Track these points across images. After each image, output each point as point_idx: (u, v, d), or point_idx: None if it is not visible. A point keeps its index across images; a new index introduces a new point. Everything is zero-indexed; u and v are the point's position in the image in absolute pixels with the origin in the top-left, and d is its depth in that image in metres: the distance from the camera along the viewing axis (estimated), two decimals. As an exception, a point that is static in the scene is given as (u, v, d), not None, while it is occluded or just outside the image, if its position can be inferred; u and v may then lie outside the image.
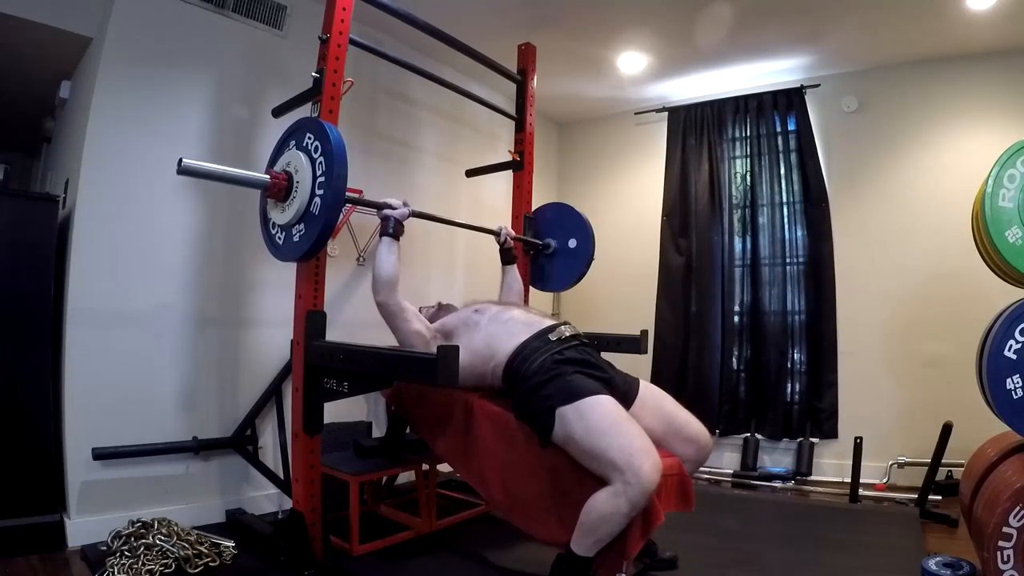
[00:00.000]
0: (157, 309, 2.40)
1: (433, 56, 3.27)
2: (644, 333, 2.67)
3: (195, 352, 2.51)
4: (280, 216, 1.95)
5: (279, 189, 1.92)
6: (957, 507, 2.52)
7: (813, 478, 3.41)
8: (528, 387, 1.82)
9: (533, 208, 3.13)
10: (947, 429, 2.68)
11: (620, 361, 2.24)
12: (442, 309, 2.40)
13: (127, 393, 2.30)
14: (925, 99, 3.46)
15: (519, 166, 3.11)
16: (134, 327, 2.34)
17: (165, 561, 1.91)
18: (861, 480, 3.00)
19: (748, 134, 3.88)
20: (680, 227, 4.02)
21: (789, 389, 3.66)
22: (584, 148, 4.68)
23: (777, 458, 3.64)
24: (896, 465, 3.29)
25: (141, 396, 2.34)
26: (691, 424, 1.95)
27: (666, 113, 4.15)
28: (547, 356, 1.85)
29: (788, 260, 3.72)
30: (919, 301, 3.38)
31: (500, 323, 2.00)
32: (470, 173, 3.34)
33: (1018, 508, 1.63)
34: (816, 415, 3.54)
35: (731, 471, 3.58)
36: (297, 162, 1.90)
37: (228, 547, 2.07)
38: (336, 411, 2.61)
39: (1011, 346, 1.70)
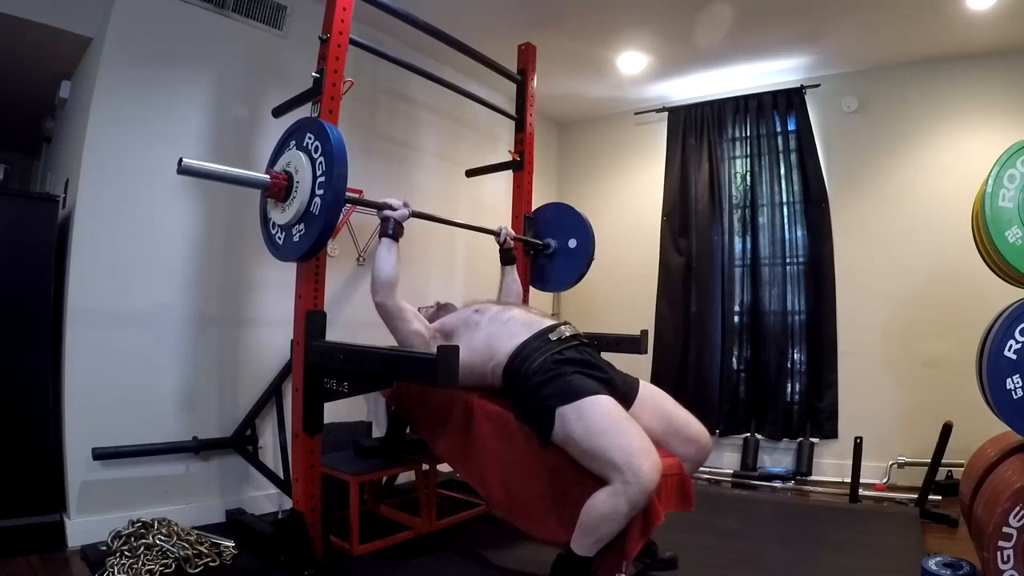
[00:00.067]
0: (157, 309, 2.40)
1: (433, 56, 3.27)
2: (644, 333, 2.67)
3: (195, 352, 2.51)
4: (280, 216, 1.95)
5: (279, 189, 1.92)
6: (957, 507, 2.52)
7: (813, 478, 3.41)
8: (528, 387, 1.82)
9: (533, 208, 3.13)
10: (947, 429, 2.68)
11: (620, 361, 2.24)
12: (441, 309, 2.41)
13: (127, 393, 2.30)
14: (925, 99, 3.47)
15: (519, 166, 3.11)
16: (134, 327, 2.34)
17: (165, 561, 1.91)
18: (861, 480, 3.00)
19: (748, 134, 3.88)
20: (680, 227, 4.02)
21: (789, 389, 3.66)
22: (584, 148, 4.68)
23: (777, 458, 3.64)
24: (896, 465, 3.29)
25: (141, 396, 2.34)
26: (691, 424, 1.95)
27: (666, 113, 4.15)
28: (547, 356, 1.85)
29: (788, 260, 3.72)
30: (919, 301, 3.38)
31: (500, 323, 2.01)
32: (470, 173, 3.34)
33: (1018, 508, 1.63)
34: (816, 415, 3.54)
35: (731, 471, 3.58)
36: (297, 162, 1.90)
37: (228, 547, 2.07)
38: (336, 411, 2.61)
39: (1011, 346, 1.70)
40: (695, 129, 4.02)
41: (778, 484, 3.38)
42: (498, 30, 3.11)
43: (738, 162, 3.96)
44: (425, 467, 2.45)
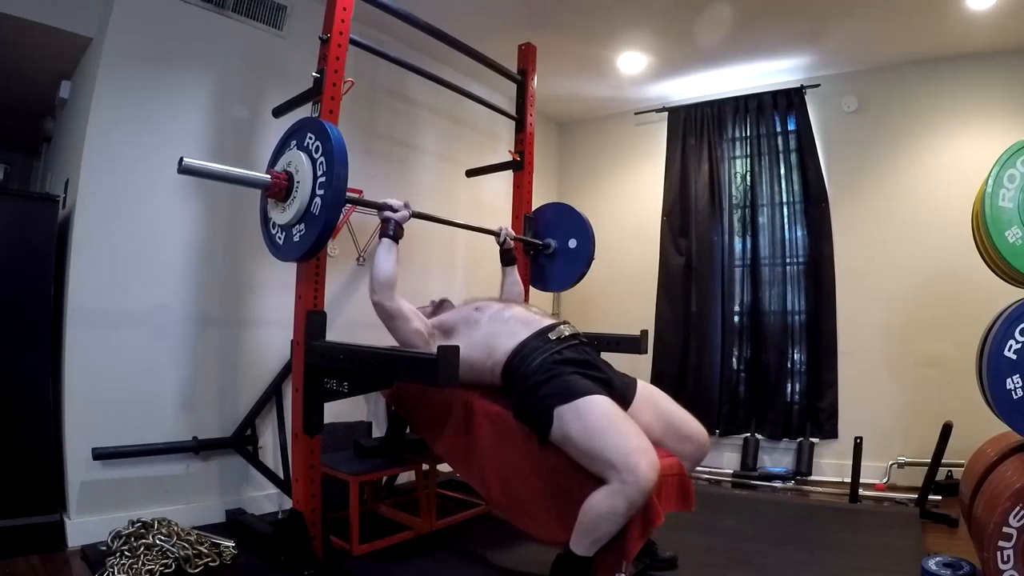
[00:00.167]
0: (157, 309, 2.40)
1: (433, 56, 3.27)
2: (644, 333, 2.67)
3: (195, 352, 2.51)
4: (280, 216, 1.95)
5: (280, 189, 1.92)
6: (957, 507, 2.52)
7: (813, 478, 3.41)
8: (527, 387, 1.82)
9: (533, 208, 3.13)
10: (947, 429, 2.68)
11: (620, 361, 2.24)
12: (440, 306, 2.40)
13: (127, 393, 2.30)
14: (925, 99, 3.47)
15: (519, 166, 3.11)
16: (134, 327, 2.34)
17: (165, 561, 1.91)
18: (861, 480, 3.00)
19: (748, 134, 3.88)
20: (680, 227, 4.02)
21: (789, 389, 3.66)
22: (584, 148, 4.68)
23: (777, 458, 3.64)
24: (896, 465, 3.29)
25: (141, 396, 2.34)
26: (689, 422, 1.95)
27: (666, 113, 4.15)
28: (546, 356, 1.85)
29: (788, 260, 3.72)
30: (919, 301, 3.38)
31: (500, 321, 2.00)
32: (470, 173, 3.34)
33: (1018, 508, 1.63)
34: (816, 415, 3.54)
35: (731, 471, 3.58)
36: (298, 162, 1.90)
37: (228, 547, 2.06)
38: (336, 411, 2.61)
39: (1011, 346, 1.70)
40: (695, 129, 4.02)
41: (778, 484, 3.39)
42: (498, 30, 3.11)
43: (738, 162, 3.96)
44: (425, 467, 2.45)
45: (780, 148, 3.79)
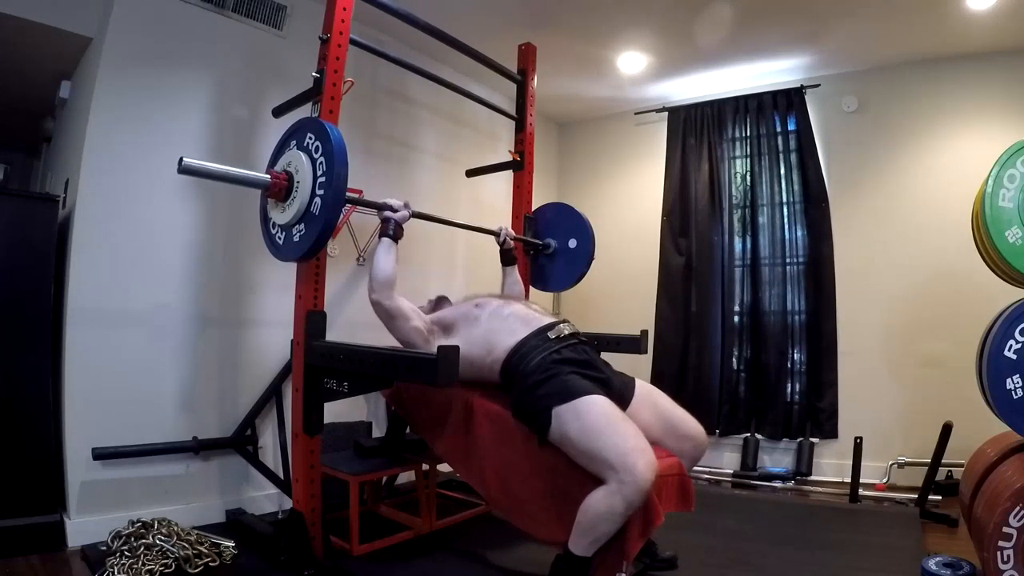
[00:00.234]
0: (157, 309, 2.40)
1: (433, 56, 3.27)
2: (644, 333, 2.67)
3: (195, 352, 2.51)
4: (280, 216, 1.95)
5: (279, 189, 1.92)
6: (957, 507, 2.52)
7: (813, 478, 3.41)
8: (525, 386, 1.82)
9: (533, 208, 3.13)
10: (947, 429, 2.68)
11: (620, 361, 2.24)
12: (438, 304, 2.39)
13: (127, 393, 2.30)
14: (925, 99, 3.47)
15: (519, 166, 3.11)
16: (134, 327, 2.34)
17: (165, 561, 1.91)
18: (861, 480, 3.00)
19: (748, 134, 3.88)
20: (680, 227, 4.02)
21: (789, 389, 3.66)
22: (584, 148, 4.68)
23: (777, 458, 3.64)
24: (896, 465, 3.29)
25: (141, 396, 2.34)
26: (687, 421, 1.96)
27: (666, 113, 4.15)
28: (545, 355, 1.85)
29: (788, 260, 3.72)
30: (919, 301, 3.38)
31: (500, 319, 2.00)
32: (470, 173, 3.34)
33: (1018, 508, 1.63)
34: (816, 415, 3.54)
35: (731, 471, 3.58)
36: (298, 162, 1.90)
37: (228, 547, 2.06)
38: (336, 411, 2.61)
39: (1011, 346, 1.70)
40: (695, 129, 4.02)
41: (778, 484, 3.39)
42: (498, 30, 3.11)
43: (738, 162, 3.96)
44: (425, 467, 2.45)
45: (780, 148, 3.78)
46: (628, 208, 4.36)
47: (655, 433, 1.88)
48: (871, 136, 3.60)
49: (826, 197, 3.62)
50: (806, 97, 3.69)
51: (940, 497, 2.87)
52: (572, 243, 3.04)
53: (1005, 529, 1.64)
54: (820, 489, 3.30)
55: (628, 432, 1.66)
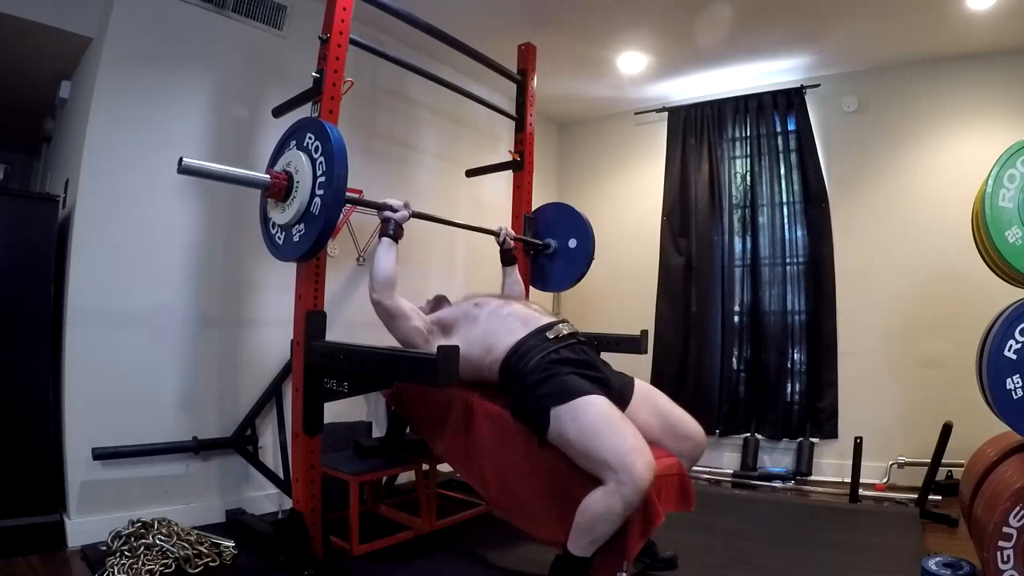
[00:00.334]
0: (157, 309, 2.40)
1: (433, 56, 3.27)
2: (644, 333, 2.67)
3: (195, 352, 2.51)
4: (280, 216, 1.95)
5: (279, 189, 1.92)
6: (957, 507, 2.52)
7: (813, 478, 3.41)
8: (524, 386, 1.82)
9: (533, 208, 3.13)
10: (947, 429, 2.68)
11: (620, 361, 2.24)
12: (438, 303, 2.39)
13: (127, 393, 2.30)
14: (925, 99, 3.47)
15: (519, 166, 3.11)
16: (134, 327, 2.34)
17: (165, 561, 1.91)
18: (861, 480, 3.00)
19: (748, 134, 3.88)
20: (680, 227, 4.02)
21: (789, 389, 3.66)
22: (584, 148, 4.68)
23: (777, 458, 3.64)
24: (896, 465, 3.29)
25: (141, 396, 2.34)
26: (686, 421, 1.96)
27: (666, 113, 4.15)
28: (544, 355, 1.86)
29: (788, 260, 3.72)
30: (919, 301, 3.38)
31: (499, 318, 2.00)
32: (470, 173, 3.34)
33: (1018, 508, 1.63)
34: (816, 415, 3.54)
35: (731, 471, 3.58)
36: (297, 162, 1.90)
37: (228, 547, 2.06)
38: (336, 411, 2.61)
39: (1011, 346, 1.70)
40: (695, 129, 4.02)
41: (778, 484, 3.38)
42: (498, 30, 3.11)
43: (738, 162, 3.96)
44: (425, 467, 2.45)
45: (780, 148, 3.78)
46: (628, 208, 4.36)
47: (654, 433, 1.88)
48: (871, 136, 3.60)
49: (826, 197, 3.62)
50: (806, 97, 3.69)
51: (940, 497, 2.87)
52: (572, 243, 3.04)
53: (1005, 529, 1.64)
54: (820, 489, 3.29)
55: (626, 432, 1.66)
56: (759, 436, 3.66)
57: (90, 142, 2.28)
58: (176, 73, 2.50)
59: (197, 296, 2.52)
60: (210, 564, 1.97)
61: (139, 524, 2.07)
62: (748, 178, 3.88)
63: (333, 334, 2.10)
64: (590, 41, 3.36)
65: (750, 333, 3.78)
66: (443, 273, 3.60)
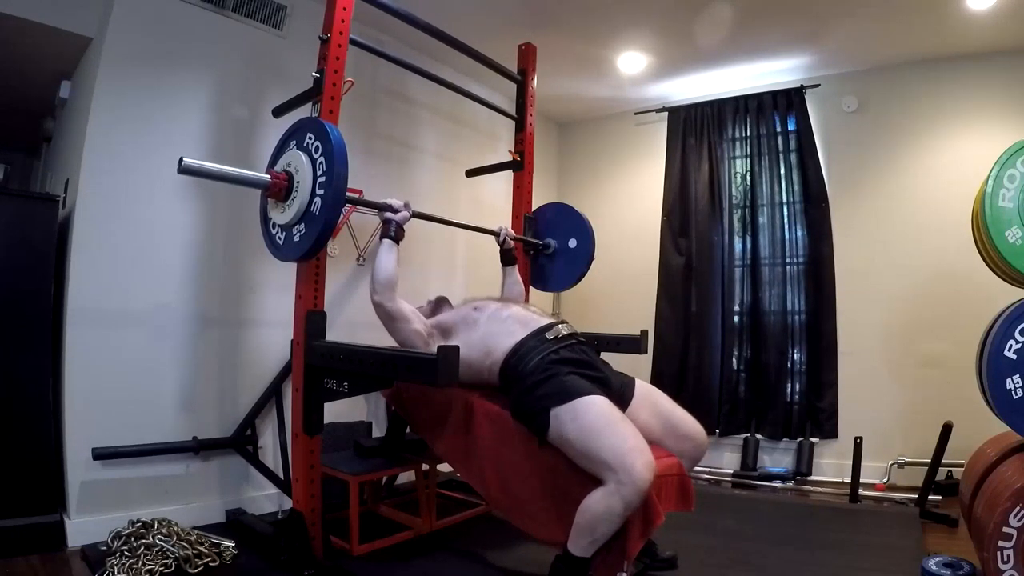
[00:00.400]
0: (157, 309, 2.40)
1: (433, 56, 3.27)
2: (644, 333, 2.67)
3: (195, 352, 2.51)
4: (280, 216, 1.95)
5: (279, 189, 1.92)
6: (957, 507, 2.52)
7: (813, 478, 3.41)
8: (524, 387, 1.82)
9: (533, 208, 3.13)
10: (947, 429, 2.68)
11: (620, 361, 2.24)
12: (438, 305, 2.40)
13: (127, 393, 2.30)
14: (925, 99, 3.47)
15: (519, 166, 3.11)
16: (134, 327, 2.34)
17: (165, 561, 1.91)
18: (861, 480, 3.00)
19: (748, 134, 3.88)
20: (680, 227, 4.02)
21: (789, 389, 3.66)
22: (584, 148, 4.68)
23: (777, 458, 3.64)
24: (896, 465, 3.29)
25: (141, 396, 2.34)
26: (687, 421, 1.96)
27: (666, 113, 4.15)
28: (543, 355, 1.86)
29: (788, 260, 3.72)
30: (919, 301, 3.38)
31: (498, 321, 2.01)
32: (470, 173, 3.34)
33: (1018, 508, 1.63)
34: (816, 415, 3.54)
35: (731, 471, 3.58)
36: (297, 162, 1.90)
37: (228, 547, 2.06)
38: (336, 411, 2.61)
39: (1011, 346, 1.70)
40: (695, 129, 4.02)
41: (778, 484, 3.39)
42: (498, 30, 3.11)
43: (738, 162, 3.96)
44: (425, 467, 2.45)
45: (780, 148, 3.78)
46: (628, 208, 4.36)
47: (655, 433, 1.88)
48: (871, 136, 3.60)
49: (826, 197, 3.62)
50: (806, 97, 3.69)
51: (940, 497, 2.87)
52: (572, 243, 3.04)
53: (1005, 529, 1.64)
54: (820, 489, 3.30)
55: (626, 432, 1.66)
56: (759, 436, 3.66)
57: (90, 142, 2.28)
58: (176, 73, 2.50)
59: (197, 296, 2.52)
60: (210, 564, 1.97)
61: (139, 524, 2.07)
62: (748, 178, 3.88)
63: (333, 334, 2.10)
64: (590, 41, 3.36)
65: (750, 333, 3.78)
66: (443, 273, 3.60)
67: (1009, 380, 1.69)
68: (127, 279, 2.33)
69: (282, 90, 2.45)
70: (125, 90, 2.36)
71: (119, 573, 1.82)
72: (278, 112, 2.33)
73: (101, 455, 2.17)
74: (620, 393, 1.91)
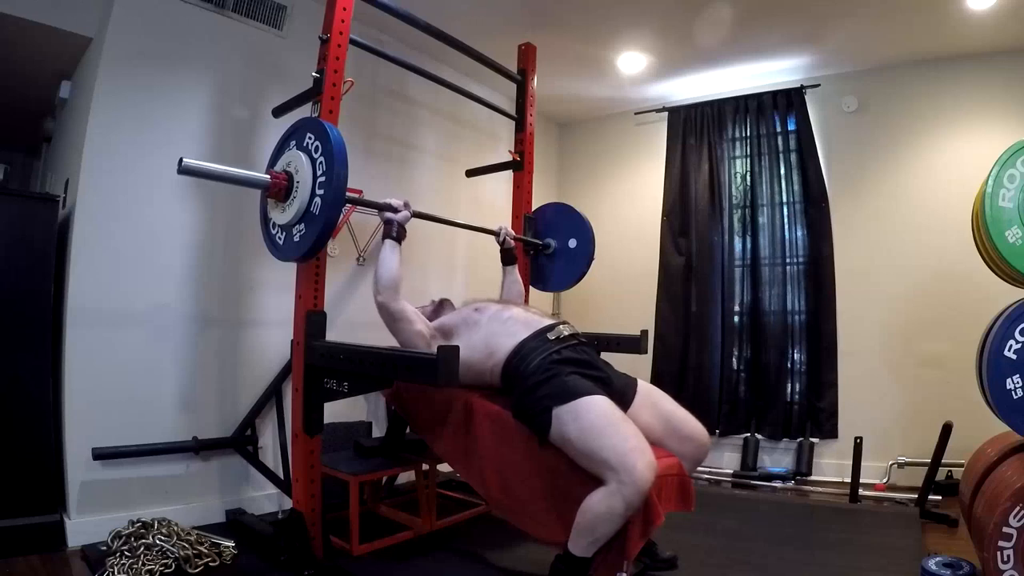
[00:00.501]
0: (157, 309, 2.40)
1: (433, 56, 3.27)
2: (644, 333, 2.67)
3: (195, 352, 2.51)
4: (280, 216, 1.95)
5: (279, 189, 1.92)
6: (957, 507, 2.52)
7: (813, 478, 3.41)
8: (525, 387, 1.82)
9: (533, 208, 3.13)
10: (947, 429, 2.68)
11: (620, 361, 2.24)
12: (440, 307, 2.40)
13: (127, 393, 2.30)
14: (925, 99, 3.47)
15: (519, 166, 3.11)
16: (134, 327, 2.34)
17: (165, 561, 1.91)
18: (861, 480, 3.00)
19: (748, 134, 3.88)
20: (680, 227, 4.03)
21: (789, 389, 3.66)
22: (584, 148, 4.68)
23: (777, 458, 3.64)
24: (896, 465, 3.29)
25: (141, 396, 2.34)
26: (689, 422, 1.95)
27: (666, 113, 4.15)
28: (545, 356, 1.86)
29: (788, 260, 3.72)
30: (919, 301, 3.38)
31: (500, 322, 2.01)
32: (470, 173, 3.34)
33: (1018, 508, 1.63)
34: (816, 415, 3.54)
35: (731, 471, 3.58)
36: (297, 162, 1.90)
37: (228, 547, 2.07)
38: (336, 411, 2.61)
39: (1011, 346, 1.70)
40: (695, 129, 4.02)
41: (778, 484, 3.38)
42: (498, 30, 3.11)
43: (738, 162, 3.96)
44: (425, 467, 2.45)
45: (780, 148, 3.79)
46: (628, 208, 4.36)
47: (656, 434, 1.88)
48: (871, 136, 3.60)
49: (826, 197, 3.62)
50: (806, 97, 3.69)
51: (940, 497, 2.87)
52: (572, 243, 3.04)
53: (1005, 529, 1.64)
54: (820, 489, 3.30)
55: (628, 433, 1.66)
56: (759, 436, 3.66)
57: (90, 142, 2.28)
58: (176, 73, 2.50)
59: (197, 296, 2.52)
60: (210, 564, 1.98)
61: (139, 524, 2.07)
62: (748, 178, 3.88)
63: (333, 334, 2.10)
64: (590, 41, 3.36)
65: (750, 333, 3.78)
66: (443, 273, 3.60)
67: (1009, 380, 1.69)
68: (127, 279, 2.33)
69: (282, 90, 2.45)
70: (125, 90, 2.36)
71: (119, 573, 1.82)
72: (278, 112, 2.34)
73: (101, 455, 2.17)
74: (622, 393, 1.91)
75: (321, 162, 1.84)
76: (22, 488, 2.10)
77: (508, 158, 3.14)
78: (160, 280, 2.42)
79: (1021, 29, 3.02)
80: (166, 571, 1.89)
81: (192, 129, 2.54)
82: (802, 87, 3.69)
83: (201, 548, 2.00)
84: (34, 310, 2.18)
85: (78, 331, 2.22)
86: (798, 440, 3.54)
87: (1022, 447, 1.96)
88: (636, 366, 2.67)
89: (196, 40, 2.55)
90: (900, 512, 2.82)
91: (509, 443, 1.90)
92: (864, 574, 2.07)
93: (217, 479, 2.54)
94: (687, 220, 3.99)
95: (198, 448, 2.40)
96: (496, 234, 2.71)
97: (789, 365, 3.67)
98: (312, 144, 1.89)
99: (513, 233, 2.81)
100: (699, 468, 3.29)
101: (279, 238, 2.00)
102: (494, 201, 3.75)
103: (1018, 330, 1.70)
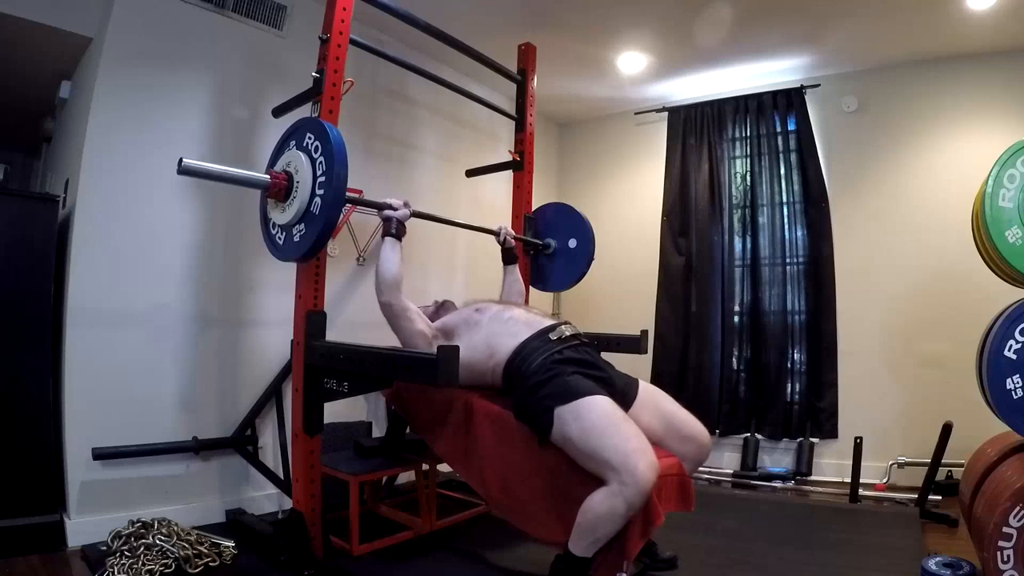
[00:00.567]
0: (157, 309, 2.40)
1: (433, 56, 3.27)
2: (644, 333, 2.67)
3: (195, 352, 2.51)
4: (280, 216, 1.95)
5: (279, 189, 1.92)
6: (957, 507, 2.52)
7: (813, 478, 3.41)
8: (527, 387, 1.82)
9: (533, 208, 3.13)
10: (947, 429, 2.68)
11: (620, 361, 2.24)
12: (441, 307, 2.41)
13: (127, 393, 2.30)
14: (925, 99, 3.47)
15: (519, 166, 3.11)
16: (134, 327, 2.34)
17: (165, 561, 1.91)
18: (861, 480, 3.00)
19: (748, 134, 3.88)
20: (680, 227, 4.03)
21: (789, 389, 3.66)
22: (584, 148, 4.68)
23: (777, 458, 3.64)
24: (896, 465, 3.29)
25: (141, 396, 2.34)
26: (690, 423, 1.95)
27: (666, 113, 4.15)
28: (546, 356, 1.85)
29: (788, 260, 3.72)
30: (919, 301, 3.38)
31: (501, 322, 2.01)
32: (470, 173, 3.34)
33: (1018, 508, 1.63)
34: (816, 415, 3.54)
35: (731, 471, 3.58)
36: (297, 162, 1.90)
37: (228, 547, 2.07)
38: (336, 411, 2.61)
39: (1011, 346, 1.70)
40: (695, 129, 4.02)
41: (778, 484, 3.38)
42: (498, 30, 3.11)
43: (738, 162, 3.96)
44: (425, 467, 2.45)
45: (780, 148, 3.79)
46: (628, 208, 4.36)
47: (658, 434, 1.87)
48: (871, 136, 3.60)
49: (826, 197, 3.62)
50: (806, 97, 3.69)
51: (940, 497, 2.87)
52: (572, 243, 3.04)
53: (1005, 529, 1.64)
54: (820, 489, 3.30)
55: (630, 433, 1.66)
56: (759, 436, 3.66)
57: (90, 142, 2.28)
58: (176, 73, 2.50)
59: (197, 296, 2.52)
60: (210, 564, 1.98)
61: (139, 524, 2.07)
62: (748, 178, 3.88)
63: (333, 334, 2.10)
64: (590, 41, 3.36)
65: (750, 333, 3.78)
66: (443, 273, 3.60)
67: (1009, 380, 1.69)
68: (127, 279, 2.33)
69: (282, 90, 2.45)
70: (125, 90, 2.36)
71: (119, 573, 1.82)
72: (278, 112, 2.34)
73: (101, 455, 2.17)
74: (623, 394, 1.91)
75: (321, 162, 1.84)
76: (22, 488, 2.10)
77: (508, 158, 3.14)
78: (160, 280, 2.42)
79: (1021, 29, 3.02)
80: (166, 571, 1.89)
81: (192, 129, 2.54)
82: (802, 87, 3.69)
83: (201, 548, 2.00)
84: (34, 310, 2.18)
85: (78, 331, 2.22)
86: (798, 440, 3.54)
87: (1022, 447, 1.96)
88: (636, 366, 2.67)
89: (196, 40, 2.55)
90: (900, 512, 2.82)
91: (509, 443, 1.90)
92: (864, 574, 2.07)
93: (217, 479, 2.54)
94: (687, 220, 3.99)
95: (198, 448, 2.40)
96: (496, 234, 2.71)
97: (789, 365, 3.68)
98: (312, 144, 1.89)
99: (513, 233, 2.81)
100: (699, 468, 3.31)
101: (279, 238, 2.00)
102: (494, 201, 3.75)
103: (1018, 330, 1.70)
